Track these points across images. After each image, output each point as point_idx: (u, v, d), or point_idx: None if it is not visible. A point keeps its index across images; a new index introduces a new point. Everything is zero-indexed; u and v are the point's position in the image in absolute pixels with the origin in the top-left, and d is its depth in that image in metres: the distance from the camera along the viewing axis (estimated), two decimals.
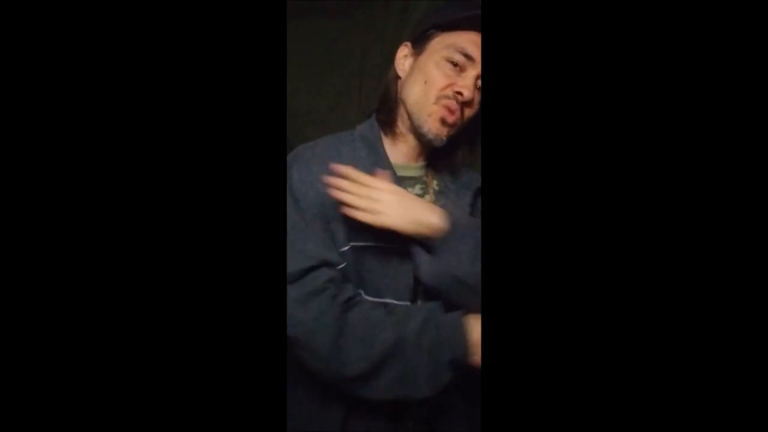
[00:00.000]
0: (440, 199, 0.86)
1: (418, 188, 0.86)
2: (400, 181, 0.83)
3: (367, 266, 0.77)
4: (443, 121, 0.80)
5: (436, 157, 0.89)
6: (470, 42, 0.79)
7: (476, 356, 0.70)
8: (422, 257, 0.75)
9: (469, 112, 0.82)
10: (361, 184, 0.71)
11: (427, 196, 0.86)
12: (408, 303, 0.77)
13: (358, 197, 0.71)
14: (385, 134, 0.86)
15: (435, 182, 0.89)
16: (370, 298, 0.76)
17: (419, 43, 0.83)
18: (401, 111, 0.85)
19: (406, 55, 0.85)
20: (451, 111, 0.79)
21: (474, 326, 0.71)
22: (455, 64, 0.79)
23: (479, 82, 0.80)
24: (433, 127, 0.80)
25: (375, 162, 0.81)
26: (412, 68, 0.83)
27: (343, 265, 0.75)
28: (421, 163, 0.88)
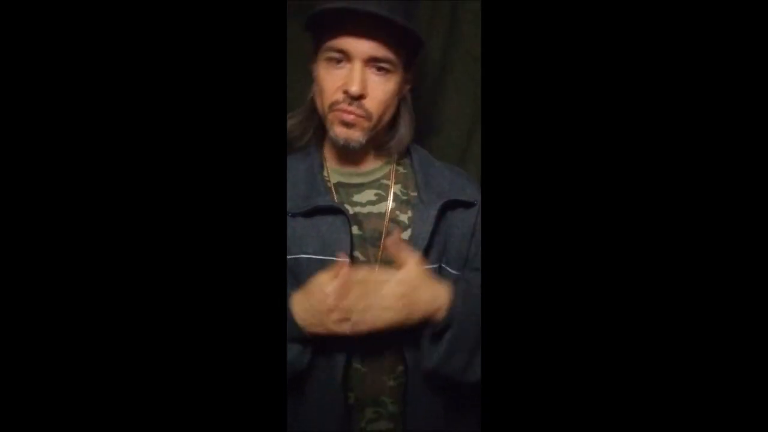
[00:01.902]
0: (405, 209, 0.81)
1: (370, 194, 0.81)
2: (344, 187, 0.81)
3: (301, 279, 0.74)
4: (345, 124, 0.76)
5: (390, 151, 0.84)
6: (340, 39, 0.74)
7: (310, 328, 0.70)
8: (429, 351, 0.73)
9: (371, 103, 0.76)
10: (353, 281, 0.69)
11: (384, 203, 0.81)
12: None
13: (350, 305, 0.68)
14: (319, 136, 0.84)
15: (398, 187, 0.83)
16: None
17: (314, 50, 0.80)
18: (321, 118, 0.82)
19: (313, 62, 0.81)
20: (346, 112, 0.75)
21: (296, 300, 0.71)
22: (337, 61, 0.75)
23: (368, 70, 0.75)
24: (339, 133, 0.76)
25: (312, 174, 0.80)
26: (314, 76, 0.80)
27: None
28: (373, 166, 0.83)
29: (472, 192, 0.84)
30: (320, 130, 0.82)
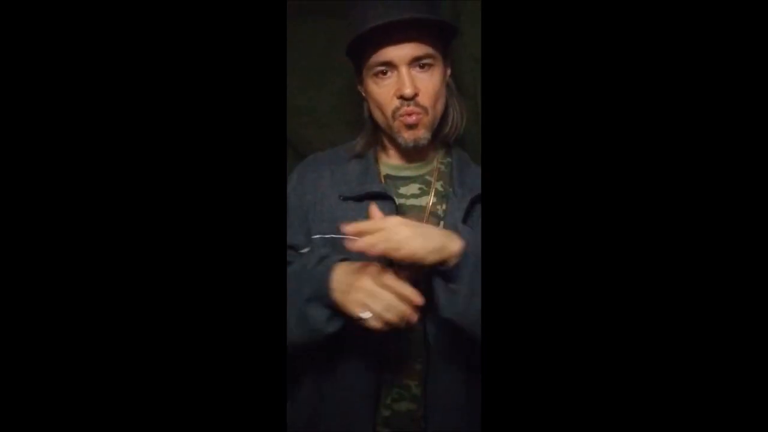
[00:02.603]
0: (442, 203, 0.87)
1: (414, 187, 0.88)
2: (392, 179, 0.88)
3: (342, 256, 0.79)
4: (409, 127, 0.83)
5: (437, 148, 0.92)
6: (380, 52, 0.80)
7: (337, 293, 0.72)
8: (444, 294, 0.75)
9: (425, 99, 0.82)
10: (373, 229, 0.71)
11: (426, 197, 0.88)
12: None
13: (375, 240, 0.70)
14: (377, 147, 0.92)
15: (440, 183, 0.89)
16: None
17: (358, 71, 0.87)
18: (381, 131, 0.90)
19: (359, 83, 0.89)
20: (408, 115, 0.82)
21: (340, 269, 0.74)
22: (384, 73, 0.82)
23: (413, 71, 0.81)
24: (407, 137, 0.84)
25: (366, 168, 0.88)
26: (366, 94, 0.88)
27: (306, 250, 0.84)
28: (419, 162, 0.90)
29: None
30: (377, 138, 0.91)
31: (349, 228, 0.71)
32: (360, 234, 0.71)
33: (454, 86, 0.90)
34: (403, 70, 0.81)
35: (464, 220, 0.84)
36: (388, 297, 0.70)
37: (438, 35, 0.83)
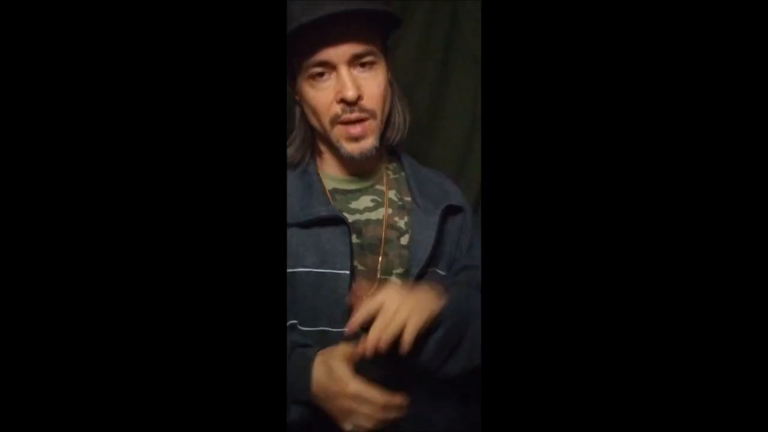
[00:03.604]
0: (401, 215, 0.80)
1: (366, 200, 0.79)
2: (340, 194, 0.79)
3: (299, 292, 0.72)
4: (354, 139, 0.73)
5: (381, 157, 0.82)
6: (315, 51, 0.71)
7: (319, 399, 0.66)
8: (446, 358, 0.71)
9: (371, 102, 0.73)
10: (371, 313, 0.66)
11: (381, 209, 0.79)
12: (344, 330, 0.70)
13: (378, 335, 0.65)
14: (314, 155, 0.81)
15: (392, 192, 0.81)
16: (304, 329, 0.73)
17: (290, 72, 0.77)
18: (319, 139, 0.79)
19: (291, 86, 0.79)
20: (350, 123, 0.73)
21: (317, 368, 0.67)
22: (320, 75, 0.72)
23: (354, 71, 0.72)
24: (352, 150, 0.74)
25: (308, 183, 0.77)
26: (300, 99, 0.77)
27: None
28: (366, 172, 0.80)
29: (457, 197, 0.84)
30: (313, 146, 0.80)
31: (352, 326, 0.66)
32: (361, 325, 0.65)
33: (395, 85, 0.80)
34: (343, 70, 0.71)
35: (439, 233, 0.77)
36: (368, 411, 0.65)
37: (376, 28, 0.74)
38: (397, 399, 0.66)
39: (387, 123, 0.78)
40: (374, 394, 0.64)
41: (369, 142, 0.74)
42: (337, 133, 0.74)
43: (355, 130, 0.73)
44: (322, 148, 0.79)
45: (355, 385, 0.64)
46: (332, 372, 0.65)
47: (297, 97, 0.78)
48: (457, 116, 1.07)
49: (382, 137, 0.77)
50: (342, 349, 0.67)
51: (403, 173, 0.84)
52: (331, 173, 0.80)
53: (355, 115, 0.72)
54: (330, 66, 0.71)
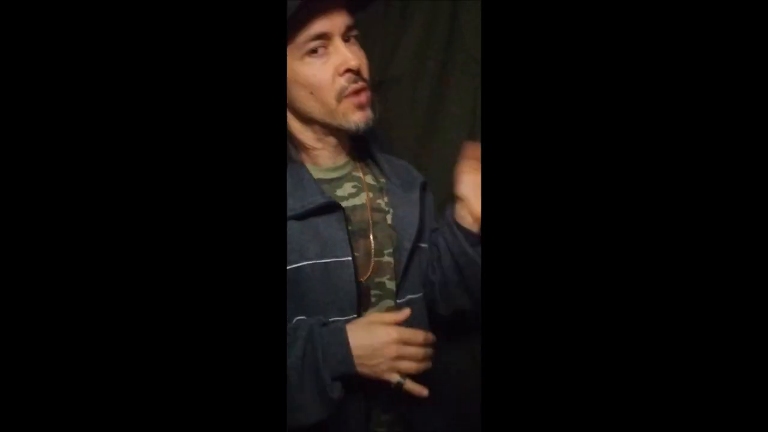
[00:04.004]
0: (381, 196, 0.82)
1: (348, 186, 0.80)
2: (326, 183, 0.79)
3: (304, 287, 0.73)
4: (362, 107, 0.74)
5: (356, 143, 0.84)
6: (310, 24, 0.71)
7: (360, 366, 0.69)
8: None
9: (366, 72, 0.75)
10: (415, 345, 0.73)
11: (362, 194, 0.80)
12: (354, 316, 0.74)
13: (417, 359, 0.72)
14: (301, 151, 0.80)
15: (368, 177, 0.83)
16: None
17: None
18: (305, 126, 0.79)
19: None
20: (358, 93, 0.73)
21: (353, 334, 0.70)
22: (314, 52, 0.72)
23: (346, 39, 0.73)
24: (357, 120, 0.74)
25: (298, 175, 0.77)
26: (293, 85, 0.75)
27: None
28: (344, 158, 0.82)
29: (417, 173, 0.89)
30: (292, 140, 0.80)
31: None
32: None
33: None
34: (338, 42, 0.72)
35: (421, 207, 0.82)
36: (414, 351, 0.71)
37: (351, 4, 0.75)
38: (431, 335, 0.73)
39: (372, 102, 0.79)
40: (415, 332, 0.71)
41: (369, 112, 0.76)
42: (345, 106, 0.74)
43: (363, 98, 0.74)
44: (309, 141, 0.79)
45: (399, 330, 0.70)
46: (373, 327, 0.70)
47: (290, 83, 0.76)
48: (457, 116, 1.07)
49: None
50: (372, 315, 0.73)
51: (370, 159, 0.86)
52: (312, 164, 0.80)
53: (360, 84, 0.73)
54: (326, 38, 0.72)
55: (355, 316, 0.74)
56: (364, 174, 0.83)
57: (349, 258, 0.74)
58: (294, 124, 0.79)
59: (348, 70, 0.72)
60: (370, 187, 0.82)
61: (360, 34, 0.78)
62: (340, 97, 0.73)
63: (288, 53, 0.73)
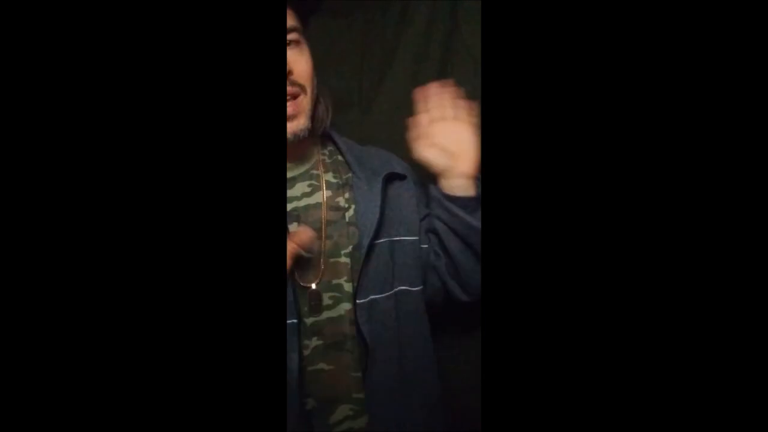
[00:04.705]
0: (341, 193, 0.80)
1: (303, 186, 0.79)
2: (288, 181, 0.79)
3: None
4: (288, 118, 0.73)
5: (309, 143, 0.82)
6: None
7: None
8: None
9: (302, 77, 0.74)
10: None
11: (319, 193, 0.79)
12: (294, 320, 0.73)
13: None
14: None
15: (329, 175, 0.81)
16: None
17: None
18: None
19: None
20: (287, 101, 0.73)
21: None
22: None
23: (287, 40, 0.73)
24: (288, 128, 0.74)
25: None
26: None
27: None
28: (298, 159, 0.81)
29: (401, 165, 0.86)
30: None
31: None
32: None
33: (316, 74, 0.80)
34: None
35: (382, 204, 0.78)
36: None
37: (296, 10, 0.74)
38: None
39: (315, 106, 0.78)
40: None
41: (302, 122, 0.74)
42: None
43: (288, 108, 0.72)
44: None
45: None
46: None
47: None
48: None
49: (313, 118, 0.77)
50: None
51: (339, 156, 0.84)
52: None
53: (288, 90, 0.72)
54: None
55: (294, 320, 0.71)
56: (325, 171, 0.82)
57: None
58: None
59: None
60: (329, 185, 0.81)
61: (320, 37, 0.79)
62: None
63: None
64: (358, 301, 0.75)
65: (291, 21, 0.73)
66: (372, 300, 0.77)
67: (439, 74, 1.06)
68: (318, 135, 0.82)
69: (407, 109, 0.85)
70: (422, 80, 1.06)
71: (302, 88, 0.74)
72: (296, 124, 0.74)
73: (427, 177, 0.86)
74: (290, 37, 0.73)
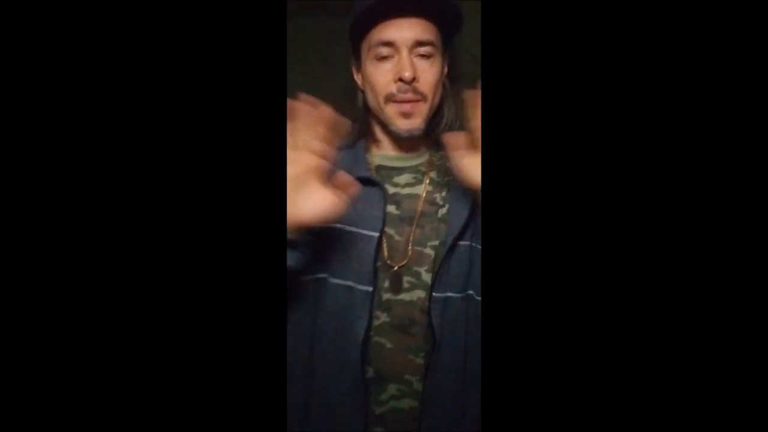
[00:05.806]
0: (440, 191, 0.86)
1: (408, 176, 0.88)
2: (386, 170, 0.88)
3: (332, 246, 0.79)
4: (405, 115, 0.82)
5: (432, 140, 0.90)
6: (383, 30, 0.80)
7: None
8: None
9: (424, 86, 0.82)
10: None
11: (421, 186, 0.87)
12: (370, 288, 0.79)
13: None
14: (368, 139, 0.91)
15: (434, 173, 0.89)
16: (334, 281, 0.79)
17: (356, 57, 0.87)
18: (373, 120, 0.89)
19: (356, 72, 0.89)
20: (403, 102, 0.81)
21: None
22: (384, 58, 0.81)
23: (415, 53, 0.81)
24: (402, 125, 0.83)
25: (356, 156, 0.87)
26: (363, 80, 0.87)
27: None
28: (412, 153, 0.90)
29: None
30: (369, 128, 0.90)
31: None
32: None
33: (449, 86, 0.89)
34: (404, 53, 0.80)
35: (471, 210, 0.82)
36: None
37: (440, 27, 0.83)
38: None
39: (437, 115, 0.87)
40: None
41: (417, 122, 0.83)
42: (390, 110, 0.83)
43: (406, 107, 0.81)
44: (377, 131, 0.90)
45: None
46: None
47: (359, 82, 0.88)
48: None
49: (430, 122, 0.86)
50: None
51: (447, 162, 0.89)
52: (379, 152, 0.90)
53: (408, 95, 0.81)
54: (394, 47, 0.80)
55: (370, 288, 0.77)
56: (432, 169, 0.89)
57: (376, 234, 0.79)
58: (369, 113, 0.89)
59: (400, 79, 0.80)
60: (432, 181, 0.88)
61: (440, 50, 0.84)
62: (388, 101, 0.82)
63: (365, 54, 0.83)
64: (434, 294, 0.80)
65: (429, 35, 0.81)
66: (448, 296, 0.81)
67: None
68: (435, 137, 0.89)
69: None
70: None
71: (423, 95, 0.82)
72: (410, 123, 0.83)
73: None
74: (424, 50, 0.81)
